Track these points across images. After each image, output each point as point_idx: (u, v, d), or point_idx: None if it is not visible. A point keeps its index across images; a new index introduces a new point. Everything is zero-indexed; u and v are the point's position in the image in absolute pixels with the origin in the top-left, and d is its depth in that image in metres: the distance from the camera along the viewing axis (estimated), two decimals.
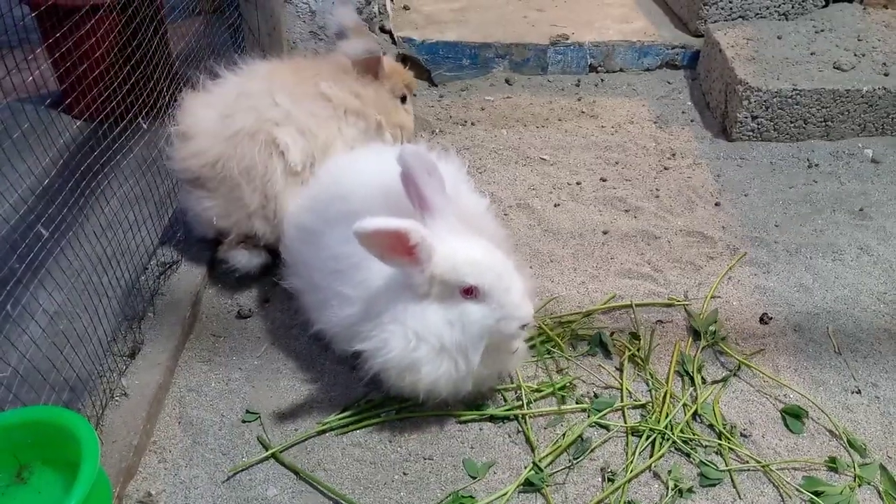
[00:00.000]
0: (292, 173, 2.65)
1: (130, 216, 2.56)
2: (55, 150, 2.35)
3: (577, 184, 3.46)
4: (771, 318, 2.71)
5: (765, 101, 3.66)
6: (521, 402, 2.37)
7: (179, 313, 2.60)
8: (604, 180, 3.49)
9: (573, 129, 3.89)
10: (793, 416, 2.34)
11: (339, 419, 2.32)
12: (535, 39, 4.35)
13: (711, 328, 2.64)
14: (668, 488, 2.12)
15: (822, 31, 4.12)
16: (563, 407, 2.37)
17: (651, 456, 2.21)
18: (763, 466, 2.19)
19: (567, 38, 4.33)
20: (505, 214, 3.25)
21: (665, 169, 3.58)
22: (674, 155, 3.69)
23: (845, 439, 2.27)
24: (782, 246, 3.08)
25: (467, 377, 2.16)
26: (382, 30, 4.24)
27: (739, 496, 2.12)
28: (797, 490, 2.13)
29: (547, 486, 2.13)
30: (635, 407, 2.38)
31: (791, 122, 3.72)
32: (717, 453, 2.24)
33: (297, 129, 2.67)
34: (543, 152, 3.70)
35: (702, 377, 2.48)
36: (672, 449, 2.24)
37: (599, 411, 2.34)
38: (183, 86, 2.99)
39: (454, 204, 2.17)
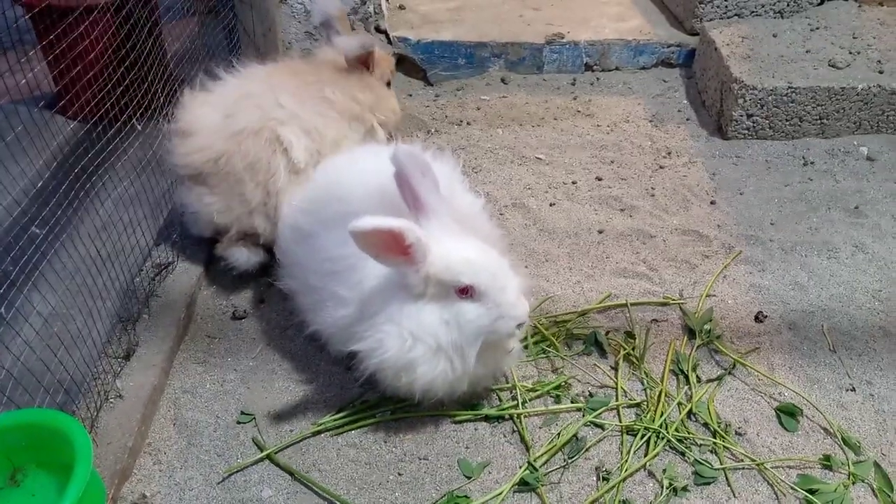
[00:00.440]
0: (295, 171, 2.67)
1: (125, 217, 2.55)
2: (49, 152, 2.36)
3: (573, 183, 3.46)
4: (766, 317, 2.71)
5: (760, 100, 3.66)
6: (516, 402, 2.37)
7: (174, 315, 2.60)
8: (599, 179, 3.49)
9: (569, 129, 3.89)
10: (787, 414, 2.35)
11: (334, 420, 2.32)
12: (531, 38, 4.34)
13: (706, 327, 2.64)
14: (662, 487, 2.12)
15: (817, 28, 4.12)
16: (558, 406, 2.38)
17: (646, 455, 2.22)
18: (758, 465, 2.19)
19: (563, 37, 4.33)
20: (500, 214, 3.26)
21: (660, 168, 3.58)
22: (669, 153, 3.69)
23: (840, 437, 2.28)
24: (777, 244, 3.08)
25: (463, 377, 2.16)
26: (378, 29, 4.24)
27: (734, 494, 2.12)
28: (792, 488, 2.13)
29: (542, 485, 2.14)
30: (630, 406, 2.38)
31: (786, 120, 3.73)
32: (711, 452, 2.24)
33: (302, 128, 2.69)
34: (539, 151, 3.70)
35: (697, 376, 2.48)
36: (667, 448, 2.25)
37: (594, 410, 2.34)
38: (178, 87, 2.99)
39: (449, 204, 2.18)
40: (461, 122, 3.96)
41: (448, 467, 2.20)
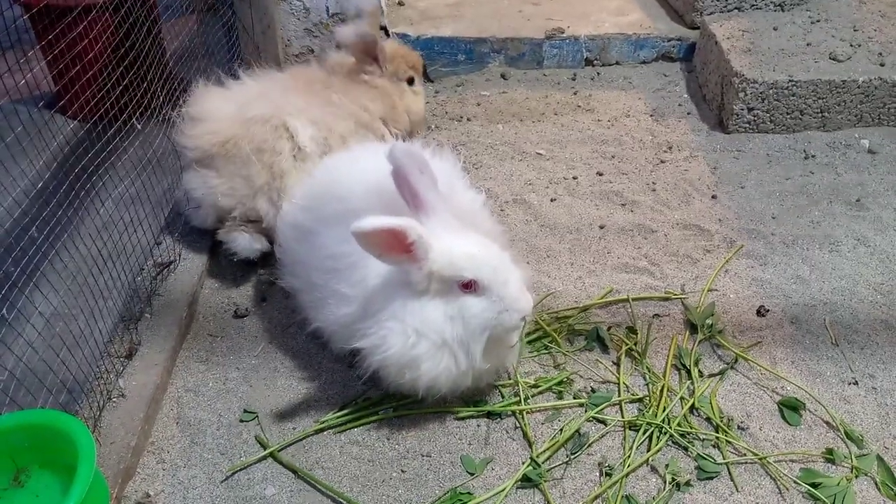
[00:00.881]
0: (301, 157, 2.73)
1: (126, 217, 2.55)
2: (49, 152, 2.36)
3: (574, 178, 3.46)
4: (768, 311, 2.71)
5: (761, 93, 3.65)
6: (518, 398, 2.37)
7: (176, 314, 2.61)
8: (600, 174, 3.48)
9: (569, 124, 3.89)
10: (790, 408, 2.35)
11: (337, 417, 2.32)
12: (531, 33, 4.33)
13: (708, 321, 2.64)
14: (665, 482, 2.13)
15: (817, 21, 4.11)
16: (560, 402, 2.38)
17: (648, 450, 2.22)
18: (760, 459, 2.19)
19: (562, 32, 4.32)
20: (501, 210, 3.25)
21: (661, 162, 3.57)
22: (670, 148, 3.68)
23: (842, 431, 2.28)
24: (779, 238, 3.08)
25: (467, 372, 2.16)
26: (378, 26, 4.23)
27: (737, 489, 2.12)
28: (795, 482, 2.13)
29: (545, 481, 2.14)
30: (632, 401, 2.38)
31: (787, 114, 3.72)
32: (714, 446, 2.24)
33: (309, 119, 2.77)
34: (539, 147, 3.70)
35: (699, 370, 2.48)
36: (669, 443, 2.25)
37: (597, 406, 2.35)
38: (178, 85, 2.99)
39: (449, 201, 2.18)
40: (461, 118, 3.95)
41: (451, 464, 2.20)
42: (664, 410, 2.32)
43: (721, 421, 2.29)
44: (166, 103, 2.86)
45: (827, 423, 2.32)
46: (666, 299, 2.77)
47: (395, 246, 1.97)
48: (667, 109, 4.00)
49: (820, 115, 3.72)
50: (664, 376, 2.44)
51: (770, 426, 2.31)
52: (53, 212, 2.22)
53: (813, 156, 3.59)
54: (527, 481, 2.14)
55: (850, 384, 2.44)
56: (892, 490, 2.11)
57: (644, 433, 2.26)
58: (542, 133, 3.81)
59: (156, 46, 2.92)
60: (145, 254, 2.76)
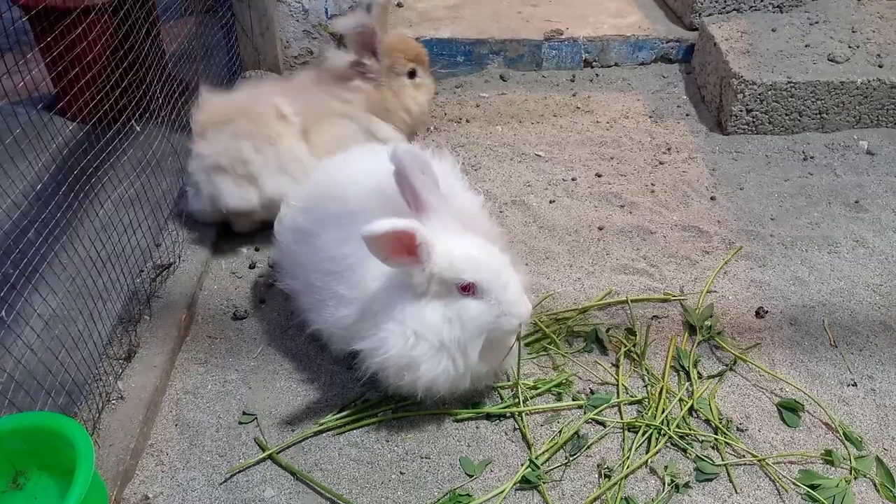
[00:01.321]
0: (283, 119, 2.95)
1: (125, 219, 2.55)
2: (49, 154, 2.36)
3: (573, 180, 3.46)
4: (767, 312, 2.71)
5: (760, 95, 3.65)
6: (517, 400, 2.37)
7: (175, 315, 2.61)
8: (599, 176, 3.49)
9: (568, 125, 3.89)
10: (789, 409, 2.35)
11: (336, 419, 2.32)
12: (530, 35, 4.34)
13: (707, 323, 2.64)
14: (664, 484, 2.13)
15: (816, 22, 4.11)
16: (559, 404, 2.38)
17: (647, 452, 2.22)
18: (759, 460, 2.19)
19: (561, 34, 4.33)
20: (500, 212, 3.25)
21: (660, 164, 3.58)
22: (669, 149, 3.68)
23: (841, 432, 2.27)
24: (778, 239, 3.08)
25: (466, 374, 2.16)
26: None
27: (736, 490, 2.12)
28: (793, 484, 2.13)
29: (544, 483, 2.14)
30: (631, 403, 2.38)
31: (786, 115, 3.72)
32: (713, 448, 2.24)
33: (293, 101, 3.00)
34: (538, 148, 3.70)
35: (698, 372, 2.48)
36: (668, 444, 2.25)
37: (595, 408, 2.34)
38: (177, 87, 2.99)
39: (449, 202, 2.18)
40: (460, 119, 3.96)
41: (450, 466, 2.20)
42: (663, 412, 2.32)
43: (720, 422, 2.30)
44: (165, 105, 2.86)
45: (826, 424, 2.32)
46: (665, 301, 2.78)
47: (402, 248, 1.98)
48: (665, 111, 4.00)
49: (818, 116, 3.73)
50: (663, 378, 2.44)
51: (769, 428, 2.31)
52: (52, 213, 2.22)
53: (812, 157, 3.60)
54: (526, 483, 2.14)
55: (848, 386, 2.44)
56: (891, 491, 2.11)
57: (643, 435, 2.26)
58: (541, 134, 3.82)
59: (155, 48, 2.92)
60: (144, 256, 2.76)
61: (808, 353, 2.56)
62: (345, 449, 2.25)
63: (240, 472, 2.18)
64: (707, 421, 2.32)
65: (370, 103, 3.12)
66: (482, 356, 2.14)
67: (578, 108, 4.04)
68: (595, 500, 2.10)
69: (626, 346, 2.56)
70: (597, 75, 4.34)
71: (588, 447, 2.24)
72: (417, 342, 2.07)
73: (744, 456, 2.21)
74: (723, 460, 2.19)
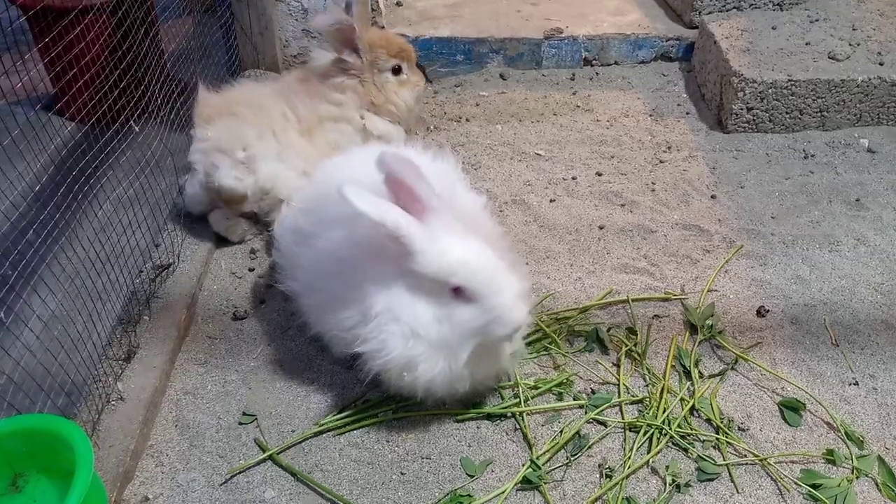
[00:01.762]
0: (286, 119, 3.04)
1: (125, 219, 2.55)
2: (48, 154, 2.35)
3: (573, 178, 3.45)
4: (768, 311, 2.70)
5: (760, 93, 3.64)
6: (518, 400, 2.36)
7: (175, 316, 2.60)
8: (599, 175, 3.48)
9: (568, 124, 3.88)
10: (790, 409, 2.34)
11: (336, 420, 2.32)
12: (529, 34, 4.33)
13: (708, 322, 2.63)
14: (665, 483, 2.12)
15: (816, 20, 4.10)
16: (560, 404, 2.37)
17: (649, 451, 2.21)
18: (761, 460, 2.19)
19: (561, 32, 4.32)
20: (500, 211, 3.25)
21: (661, 162, 3.57)
22: (669, 148, 3.68)
23: (843, 431, 2.27)
24: (779, 238, 3.07)
25: (464, 376, 2.15)
26: (375, 26, 4.22)
27: (737, 490, 2.11)
28: (795, 483, 2.13)
29: (545, 483, 2.13)
30: (632, 402, 2.38)
31: (786, 113, 3.71)
32: (714, 448, 2.23)
33: (291, 107, 3.08)
34: (538, 147, 3.69)
35: (699, 371, 2.48)
36: (669, 444, 2.24)
37: (596, 407, 2.34)
38: (176, 86, 2.98)
39: (449, 202, 2.16)
40: (460, 118, 3.95)
41: (451, 466, 2.20)
42: (664, 412, 2.31)
43: (721, 422, 2.29)
44: (164, 105, 2.85)
45: (827, 423, 2.31)
46: (666, 300, 2.77)
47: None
48: (666, 109, 4.00)
49: (819, 114, 3.72)
50: (664, 377, 2.43)
51: (770, 427, 2.30)
52: (51, 214, 2.21)
53: (812, 155, 3.59)
54: (527, 483, 2.14)
55: (850, 385, 2.44)
56: (894, 491, 2.10)
57: (644, 434, 2.26)
58: (541, 133, 3.81)
59: (154, 48, 2.91)
60: (144, 256, 2.75)
61: (809, 352, 2.56)
62: (345, 449, 2.25)
63: (240, 472, 2.18)
64: (708, 420, 2.31)
65: (362, 100, 3.12)
66: (479, 361, 2.12)
67: (578, 106, 4.03)
68: (596, 500, 2.09)
69: (626, 345, 2.56)
70: (597, 74, 4.33)
71: (589, 447, 2.23)
72: (416, 343, 2.06)
73: (745, 455, 2.21)
74: (724, 460, 2.19)
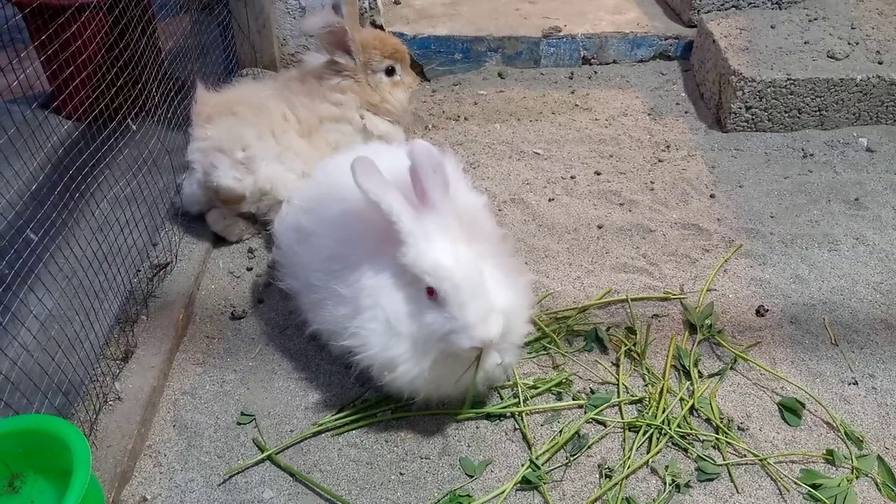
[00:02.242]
0: (287, 120, 3.04)
1: (122, 218, 2.53)
2: (44, 153, 2.33)
3: (572, 178, 3.45)
4: (767, 311, 2.70)
5: (759, 92, 3.64)
6: (517, 400, 2.36)
7: (172, 315, 2.59)
8: (598, 174, 3.47)
9: (567, 123, 3.88)
10: (790, 408, 2.34)
11: (335, 420, 2.31)
12: (528, 32, 4.32)
13: (707, 321, 2.63)
14: (665, 483, 2.12)
15: (815, 19, 4.10)
16: (559, 403, 2.37)
17: (648, 451, 2.21)
18: (760, 460, 2.18)
19: (559, 31, 4.31)
20: (499, 210, 3.24)
21: (659, 161, 3.56)
22: (668, 147, 3.67)
23: (842, 431, 2.27)
24: (778, 237, 3.07)
25: (447, 381, 2.14)
26: (374, 25, 4.20)
27: (737, 490, 2.11)
28: (795, 483, 2.12)
29: (544, 483, 2.13)
30: (632, 402, 2.37)
31: (785, 112, 3.71)
32: (714, 447, 2.23)
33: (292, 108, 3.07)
34: (537, 146, 3.68)
35: (698, 371, 2.47)
36: (669, 444, 2.24)
37: (596, 407, 2.33)
38: (173, 85, 2.97)
39: (454, 205, 2.16)
40: (458, 117, 3.94)
41: (450, 466, 2.19)
42: (664, 411, 2.31)
43: (721, 422, 2.29)
44: (161, 103, 2.84)
45: (827, 423, 2.31)
46: (665, 299, 2.76)
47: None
48: (664, 108, 3.99)
49: (818, 113, 3.72)
50: (663, 377, 2.43)
51: (770, 427, 2.30)
52: (48, 213, 2.20)
53: (811, 154, 3.59)
54: (526, 483, 2.13)
55: (849, 384, 2.44)
56: (893, 491, 2.10)
57: (644, 434, 2.25)
58: (540, 132, 3.80)
59: (151, 46, 2.90)
60: (141, 255, 2.74)
61: (808, 352, 2.55)
62: (344, 449, 2.24)
63: (238, 473, 2.17)
64: (708, 420, 2.31)
65: (361, 100, 3.11)
66: (443, 370, 2.10)
67: (577, 105, 4.03)
68: (596, 500, 2.09)
69: (626, 345, 2.55)
70: (595, 72, 4.32)
71: (588, 447, 2.23)
72: (396, 343, 2.06)
73: (745, 455, 2.20)
74: (724, 460, 2.18)
